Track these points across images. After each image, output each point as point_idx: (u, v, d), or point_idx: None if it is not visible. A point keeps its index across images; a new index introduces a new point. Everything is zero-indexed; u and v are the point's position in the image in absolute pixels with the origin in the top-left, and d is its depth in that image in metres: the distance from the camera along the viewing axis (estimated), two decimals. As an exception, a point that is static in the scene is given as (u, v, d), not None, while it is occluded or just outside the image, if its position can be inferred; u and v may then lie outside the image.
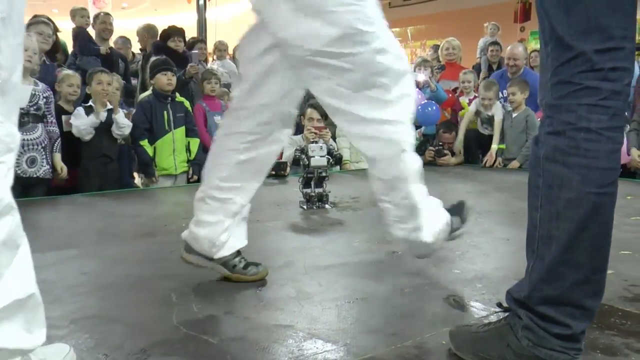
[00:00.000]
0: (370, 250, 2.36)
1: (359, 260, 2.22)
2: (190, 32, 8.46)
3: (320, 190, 3.20)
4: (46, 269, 2.09)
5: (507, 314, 1.32)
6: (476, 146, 5.49)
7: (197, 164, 4.77)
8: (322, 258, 2.25)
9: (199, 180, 4.75)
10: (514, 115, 4.94)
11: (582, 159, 1.14)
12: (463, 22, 14.85)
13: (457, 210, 2.05)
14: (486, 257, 2.32)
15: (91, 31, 5.51)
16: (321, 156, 3.23)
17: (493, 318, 1.55)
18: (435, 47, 6.79)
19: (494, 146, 5.15)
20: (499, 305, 1.36)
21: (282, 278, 1.99)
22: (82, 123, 3.90)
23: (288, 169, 4.35)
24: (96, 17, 5.48)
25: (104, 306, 1.72)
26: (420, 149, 5.61)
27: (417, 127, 5.48)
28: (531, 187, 1.24)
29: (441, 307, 1.72)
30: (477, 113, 5.34)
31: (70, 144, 3.98)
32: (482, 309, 1.68)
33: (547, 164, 1.18)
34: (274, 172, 4.35)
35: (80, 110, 3.99)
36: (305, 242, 2.52)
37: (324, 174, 3.23)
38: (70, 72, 4.38)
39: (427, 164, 5.38)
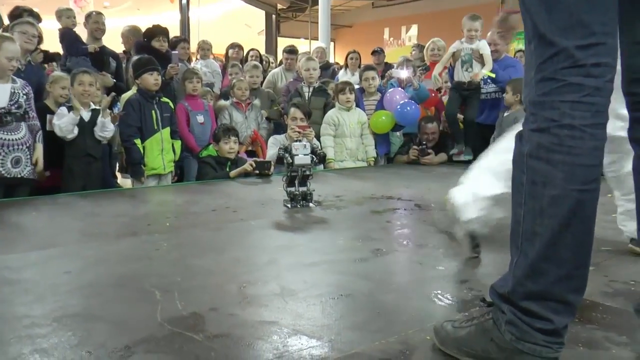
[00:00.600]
0: (354, 248, 2.37)
1: (343, 257, 2.22)
2: (174, 32, 8.42)
3: (304, 188, 3.20)
4: (28, 269, 2.08)
5: (490, 309, 1.33)
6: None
7: (179, 165, 4.77)
8: (306, 255, 2.25)
9: (180, 180, 4.73)
10: (506, 114, 4.95)
11: (565, 156, 1.15)
12: (446, 22, 14.98)
13: None
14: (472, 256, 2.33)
15: (81, 31, 5.45)
16: (305, 154, 3.22)
17: (476, 313, 1.56)
18: (420, 47, 6.80)
19: (483, 70, 5.12)
20: (483, 300, 1.37)
21: (266, 275, 1.99)
22: (62, 122, 3.86)
23: (272, 168, 4.34)
24: (88, 16, 5.41)
25: (86, 304, 1.71)
26: (403, 149, 5.64)
27: (400, 127, 5.50)
28: (515, 184, 1.25)
29: (425, 303, 1.73)
30: (455, 56, 5.30)
31: (55, 143, 3.94)
32: (465, 305, 1.69)
33: (531, 161, 1.19)
34: (257, 172, 4.35)
35: (63, 109, 3.95)
36: (289, 240, 2.52)
37: (308, 173, 3.23)
38: (63, 74, 4.34)
39: (410, 163, 5.43)
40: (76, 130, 3.90)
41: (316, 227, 2.78)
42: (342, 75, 7.13)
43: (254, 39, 15.65)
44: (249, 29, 16.17)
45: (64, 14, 5.26)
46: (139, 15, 14.60)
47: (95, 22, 5.51)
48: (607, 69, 1.16)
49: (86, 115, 3.97)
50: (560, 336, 1.20)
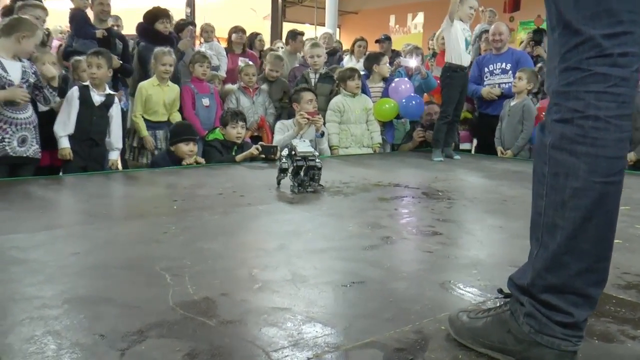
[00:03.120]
0: (363, 235, 2.36)
1: (353, 244, 2.21)
2: (179, 15, 8.34)
3: (314, 175, 3.18)
4: (37, 249, 2.06)
5: (507, 300, 1.32)
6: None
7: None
8: (316, 242, 2.24)
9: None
10: (512, 103, 4.91)
11: (589, 148, 1.13)
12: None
13: None
14: (480, 244, 2.33)
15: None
16: (306, 147, 3.24)
17: (490, 304, 1.55)
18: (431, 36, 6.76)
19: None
20: (500, 291, 1.36)
21: (276, 261, 1.98)
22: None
23: (278, 153, 4.32)
24: (93, -2, 5.36)
25: (97, 286, 1.69)
26: (408, 135, 5.61)
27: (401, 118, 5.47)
28: (536, 175, 1.23)
29: (438, 292, 1.72)
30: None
31: (52, 124, 3.91)
32: (478, 295, 1.68)
33: (554, 152, 1.17)
34: (263, 156, 4.33)
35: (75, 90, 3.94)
36: (298, 226, 2.50)
37: (314, 163, 3.21)
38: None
39: (415, 150, 5.41)
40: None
41: (324, 214, 2.76)
42: (347, 62, 7.07)
43: (259, 23, 15.55)
44: (254, 13, 16.05)
45: (77, -5, 5.20)
46: (144, -4, 14.49)
47: (100, 3, 5.45)
48: (634, 58, 1.13)
49: (98, 99, 3.94)
50: (579, 329, 1.19)
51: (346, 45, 8.79)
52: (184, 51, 5.47)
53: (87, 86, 3.95)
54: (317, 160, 3.25)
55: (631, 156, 4.41)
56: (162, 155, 4.33)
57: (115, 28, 6.16)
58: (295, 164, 3.24)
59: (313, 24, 16.48)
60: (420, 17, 16.87)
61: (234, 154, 4.39)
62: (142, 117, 4.52)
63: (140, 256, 2.01)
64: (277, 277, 1.80)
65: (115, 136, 4.15)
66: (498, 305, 1.35)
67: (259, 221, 2.59)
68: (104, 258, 1.98)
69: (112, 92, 4.16)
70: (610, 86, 1.12)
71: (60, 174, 4.01)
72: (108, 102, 4.06)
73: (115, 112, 4.13)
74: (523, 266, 1.27)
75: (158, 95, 4.59)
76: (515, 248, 2.24)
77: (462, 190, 3.45)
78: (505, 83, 5.30)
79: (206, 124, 4.95)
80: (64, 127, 3.88)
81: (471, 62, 5.24)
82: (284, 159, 3.32)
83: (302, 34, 6.72)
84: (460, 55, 4.76)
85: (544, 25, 11.54)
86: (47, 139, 3.84)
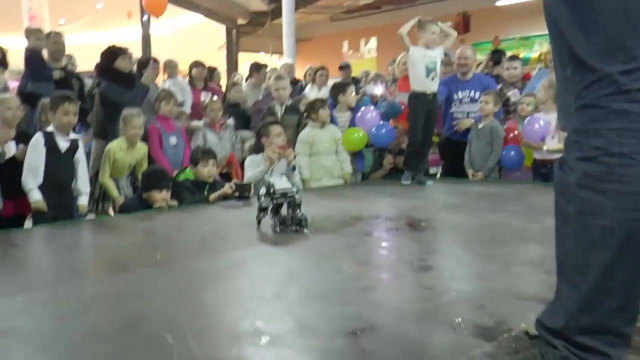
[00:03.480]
0: (359, 275, 2.31)
1: (351, 286, 2.16)
2: (133, 48, 8.23)
3: (296, 212, 3.12)
4: (18, 316, 1.93)
5: (535, 342, 1.29)
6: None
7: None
8: (313, 286, 2.18)
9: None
10: (480, 126, 4.99)
11: (616, 185, 1.13)
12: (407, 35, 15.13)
13: None
14: (476, 276, 2.30)
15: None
16: (284, 182, 3.20)
17: (519, 347, 1.51)
18: (394, 62, 6.83)
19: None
20: (527, 333, 1.33)
21: (278, 310, 1.91)
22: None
23: (252, 190, 4.25)
24: (47, 36, 5.23)
25: (95, 356, 1.59)
26: (377, 163, 5.63)
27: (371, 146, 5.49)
28: (560, 213, 1.21)
29: (449, 333, 1.68)
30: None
31: (14, 170, 3.75)
32: (491, 333, 1.65)
33: (579, 190, 1.16)
34: (237, 194, 4.24)
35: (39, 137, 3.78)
36: (291, 269, 2.44)
37: (293, 198, 3.15)
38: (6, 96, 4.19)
39: (386, 177, 5.42)
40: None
41: (314, 253, 2.70)
42: (310, 91, 7.08)
43: (213, 54, 15.50)
44: (209, 44, 16.02)
45: (33, 34, 5.08)
46: (96, 32, 14.30)
47: (55, 42, 5.35)
48: None
49: (64, 145, 3.81)
50: (617, 370, 1.17)
51: (300, 72, 8.81)
52: (148, 85, 5.37)
53: (52, 132, 3.80)
54: (297, 196, 3.20)
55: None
56: (133, 199, 4.21)
57: (69, 67, 6.04)
58: (274, 202, 3.19)
59: (268, 53, 16.55)
60: (373, 42, 17.13)
61: (206, 193, 4.29)
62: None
63: (134, 315, 1.91)
64: (284, 328, 1.73)
65: (83, 180, 4.02)
66: (524, 347, 1.33)
67: (250, 266, 2.51)
68: (94, 321, 1.87)
69: (76, 137, 4.03)
70: (631, 122, 1.13)
71: (25, 225, 3.85)
72: (73, 147, 3.93)
73: (81, 156, 4.01)
74: (551, 307, 1.25)
75: (125, 158, 4.52)
76: (514, 278, 2.24)
77: (444, 219, 3.45)
78: (474, 112, 5.32)
79: (174, 163, 4.85)
80: (34, 178, 3.72)
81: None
82: (262, 198, 3.25)
83: (265, 66, 6.71)
84: (420, 81, 4.74)
85: (501, 46, 11.93)
86: (10, 187, 3.68)
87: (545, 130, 4.57)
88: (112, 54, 5.33)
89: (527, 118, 4.74)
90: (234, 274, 2.41)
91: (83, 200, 4.04)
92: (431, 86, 4.76)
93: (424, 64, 4.71)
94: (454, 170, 5.40)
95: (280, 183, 3.21)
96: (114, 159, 4.45)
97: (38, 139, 3.75)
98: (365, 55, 17.07)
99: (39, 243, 3.16)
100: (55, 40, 5.35)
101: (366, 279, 2.24)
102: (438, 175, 5.91)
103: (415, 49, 4.75)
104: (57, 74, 5.03)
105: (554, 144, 4.53)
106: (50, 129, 3.82)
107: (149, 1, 8.31)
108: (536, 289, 2.04)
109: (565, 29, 1.18)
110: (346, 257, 2.60)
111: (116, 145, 4.49)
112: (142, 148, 4.58)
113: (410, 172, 4.90)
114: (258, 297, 2.09)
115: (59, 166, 3.78)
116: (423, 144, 4.89)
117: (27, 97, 4.74)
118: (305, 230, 3.04)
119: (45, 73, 5.00)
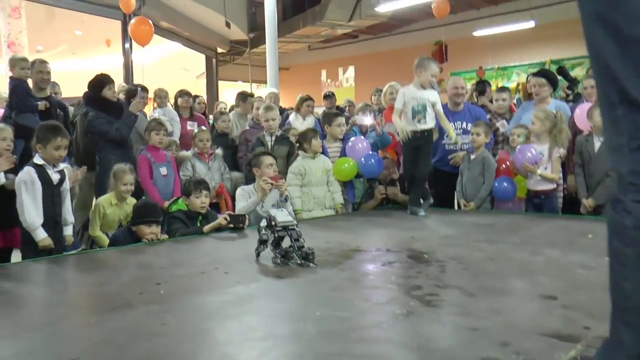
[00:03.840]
0: (374, 311, 2.27)
1: (370, 322, 2.12)
2: (114, 76, 8.16)
3: (302, 246, 3.07)
4: (24, 359, 1.84)
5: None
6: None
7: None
8: (330, 322, 2.12)
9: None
10: (472, 157, 5.02)
11: None
12: (382, 64, 15.38)
13: None
14: (492, 311, 2.26)
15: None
16: (285, 215, 3.16)
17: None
18: (379, 91, 6.88)
19: (452, 135, 4.86)
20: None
21: (299, 349, 1.85)
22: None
23: (247, 221, 4.19)
24: (32, 65, 5.14)
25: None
26: (368, 193, 5.60)
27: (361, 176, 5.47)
28: (616, 256, 1.20)
29: (481, 373, 1.64)
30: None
31: (5, 202, 3.64)
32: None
33: (638, 233, 1.15)
34: (231, 225, 4.18)
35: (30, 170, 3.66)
36: (303, 306, 2.38)
37: (295, 230, 3.12)
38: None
39: (377, 208, 5.39)
40: None
41: (323, 289, 2.64)
42: (294, 120, 7.06)
43: (192, 82, 15.49)
44: (187, 73, 16.00)
45: (17, 64, 4.99)
46: (75, 59, 14.17)
47: (40, 71, 5.29)
48: None
49: (55, 177, 3.70)
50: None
51: (282, 101, 8.83)
52: (136, 114, 5.30)
53: (42, 165, 3.68)
54: (298, 229, 3.16)
55: (590, 202, 4.57)
56: (123, 231, 4.10)
57: (54, 95, 5.96)
58: (276, 235, 3.14)
59: (247, 82, 16.60)
60: (351, 71, 17.36)
61: (199, 224, 4.22)
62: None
63: (147, 356, 1.83)
64: (310, 371, 1.68)
65: (68, 211, 3.90)
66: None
67: (258, 302, 2.45)
68: (108, 363, 1.79)
69: (62, 167, 3.91)
70: None
71: (13, 259, 3.72)
72: (62, 178, 3.83)
73: (66, 186, 3.89)
74: (605, 351, 1.23)
75: (115, 213, 4.45)
76: (531, 313, 2.21)
77: (444, 250, 3.42)
78: (466, 144, 5.32)
79: (164, 193, 4.78)
80: (38, 215, 3.58)
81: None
82: (263, 230, 3.20)
83: (252, 95, 6.70)
84: (407, 120, 4.72)
85: (486, 76, 12.14)
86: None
87: (538, 157, 4.62)
88: (99, 83, 5.29)
89: (518, 147, 4.79)
90: (243, 310, 2.34)
91: (69, 231, 3.92)
92: (418, 126, 4.70)
93: (411, 106, 4.68)
94: (443, 201, 5.40)
95: (282, 216, 3.18)
96: (103, 213, 4.38)
97: (31, 173, 3.58)
98: (343, 84, 17.25)
99: (33, 278, 3.04)
100: (40, 69, 5.28)
101: (383, 315, 2.20)
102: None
103: (406, 89, 4.74)
104: (41, 105, 4.95)
105: (547, 173, 4.60)
106: (39, 161, 3.67)
107: (136, 30, 8.29)
108: (557, 325, 2.02)
109: (615, 67, 1.17)
110: (356, 293, 2.55)
111: (106, 201, 4.43)
112: (132, 203, 4.46)
113: (417, 204, 4.83)
114: (274, 336, 2.03)
115: (53, 199, 3.66)
116: (416, 177, 4.86)
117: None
118: (312, 265, 2.98)
119: (30, 104, 4.91)
